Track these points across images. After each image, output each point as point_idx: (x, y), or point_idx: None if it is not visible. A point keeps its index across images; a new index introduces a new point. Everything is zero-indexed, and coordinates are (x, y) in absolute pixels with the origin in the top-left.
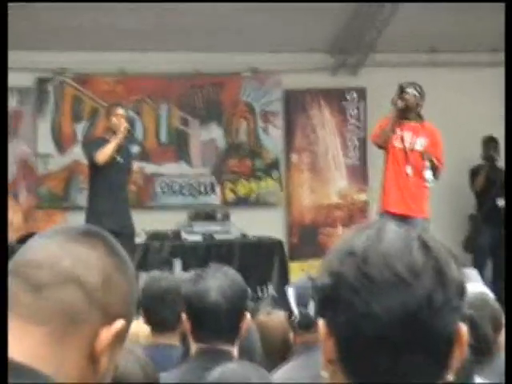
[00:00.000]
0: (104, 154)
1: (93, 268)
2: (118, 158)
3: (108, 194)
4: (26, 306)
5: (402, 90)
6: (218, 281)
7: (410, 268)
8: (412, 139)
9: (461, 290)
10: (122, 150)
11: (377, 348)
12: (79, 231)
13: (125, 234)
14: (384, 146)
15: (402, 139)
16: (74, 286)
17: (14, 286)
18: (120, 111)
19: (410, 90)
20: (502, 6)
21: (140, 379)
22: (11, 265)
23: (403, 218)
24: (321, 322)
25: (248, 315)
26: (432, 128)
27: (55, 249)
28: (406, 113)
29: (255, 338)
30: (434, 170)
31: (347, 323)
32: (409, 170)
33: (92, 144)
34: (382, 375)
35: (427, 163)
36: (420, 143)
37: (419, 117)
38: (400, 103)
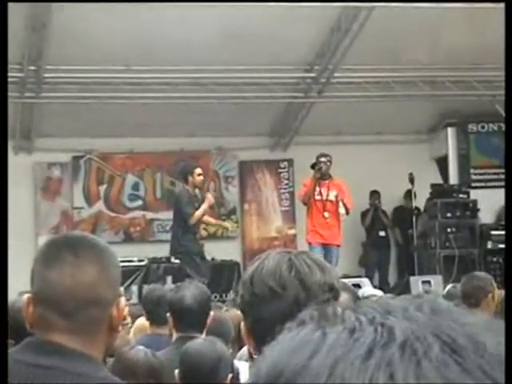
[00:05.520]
0: (195, 218)
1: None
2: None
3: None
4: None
5: (318, 159)
6: (191, 291)
7: (279, 283)
8: (327, 193)
9: (327, 288)
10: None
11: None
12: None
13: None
14: (308, 203)
15: (321, 194)
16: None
17: None
18: (198, 170)
19: (323, 159)
20: (379, 105)
21: (144, 361)
22: None
23: (323, 246)
24: (242, 325)
25: (211, 313)
26: (339, 182)
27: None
28: (322, 177)
29: (228, 326)
30: (346, 208)
31: (252, 325)
32: (326, 214)
33: (186, 202)
34: None
35: (340, 203)
36: (332, 195)
37: (330, 176)
38: (317, 174)
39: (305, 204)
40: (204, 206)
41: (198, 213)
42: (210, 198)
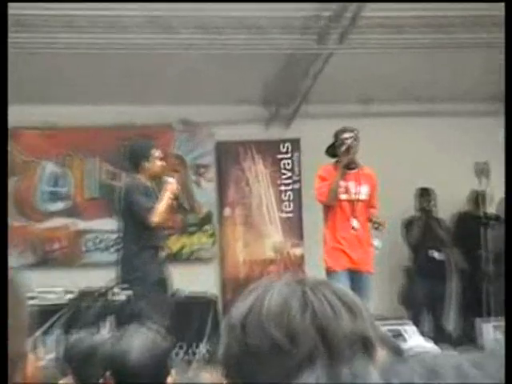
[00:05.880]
0: (158, 215)
1: None
2: None
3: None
4: None
5: (339, 137)
6: (139, 341)
7: (287, 333)
8: (356, 189)
9: (357, 339)
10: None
11: None
12: None
13: None
14: (333, 204)
15: (347, 190)
16: None
17: None
18: (157, 153)
19: (347, 135)
20: (428, 57)
21: None
22: None
23: (351, 273)
24: None
25: (173, 374)
26: (370, 172)
27: None
28: (349, 164)
29: None
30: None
31: None
32: (354, 222)
33: (140, 195)
34: None
35: (373, 225)
36: (364, 192)
37: (357, 163)
38: (344, 158)
39: (328, 206)
40: (167, 194)
41: (161, 206)
42: (172, 182)
